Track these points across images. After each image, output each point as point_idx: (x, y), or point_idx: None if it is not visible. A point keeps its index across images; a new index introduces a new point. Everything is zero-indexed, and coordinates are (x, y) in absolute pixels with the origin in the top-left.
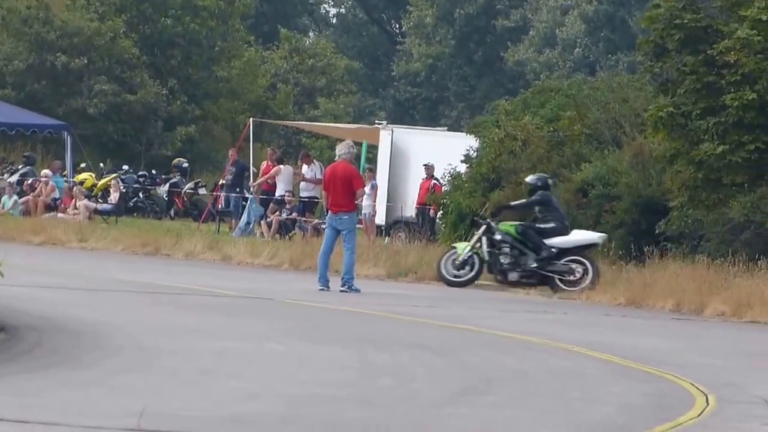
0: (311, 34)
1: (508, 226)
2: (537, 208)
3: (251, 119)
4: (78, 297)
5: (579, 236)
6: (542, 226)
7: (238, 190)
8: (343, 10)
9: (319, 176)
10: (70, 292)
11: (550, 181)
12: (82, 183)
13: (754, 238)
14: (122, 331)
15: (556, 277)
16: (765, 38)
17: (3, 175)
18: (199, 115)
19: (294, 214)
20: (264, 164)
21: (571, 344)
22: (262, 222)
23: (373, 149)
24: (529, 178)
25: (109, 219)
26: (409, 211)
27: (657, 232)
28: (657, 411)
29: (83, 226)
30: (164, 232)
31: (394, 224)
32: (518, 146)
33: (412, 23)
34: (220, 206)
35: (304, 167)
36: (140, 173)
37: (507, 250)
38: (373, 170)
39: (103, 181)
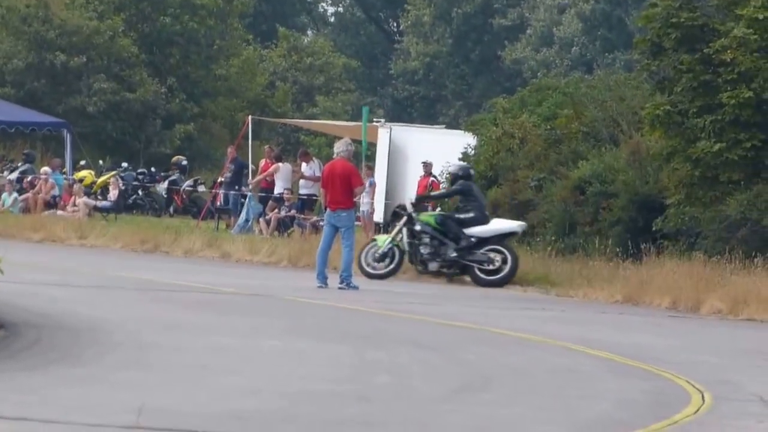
0: (309, 32)
1: (428, 216)
2: (459, 198)
3: (250, 117)
4: (77, 294)
5: (498, 225)
6: (462, 216)
7: (237, 187)
8: (341, 9)
9: (317, 174)
10: (69, 289)
11: (472, 172)
12: (81, 180)
13: (750, 235)
14: (121, 328)
15: (476, 266)
16: (761, 37)
17: (3, 172)
18: (198, 113)
19: (293, 212)
20: (262, 162)
21: (569, 341)
22: (261, 219)
23: (372, 147)
24: (451, 168)
25: (109, 216)
26: (408, 208)
27: (654, 229)
28: (654, 408)
29: (83, 224)
30: (163, 230)
31: (392, 221)
32: (516, 144)
33: (409, 22)
34: (219, 204)
35: (303, 165)
36: (139, 171)
37: (427, 240)
38: (371, 168)
39: (102, 178)
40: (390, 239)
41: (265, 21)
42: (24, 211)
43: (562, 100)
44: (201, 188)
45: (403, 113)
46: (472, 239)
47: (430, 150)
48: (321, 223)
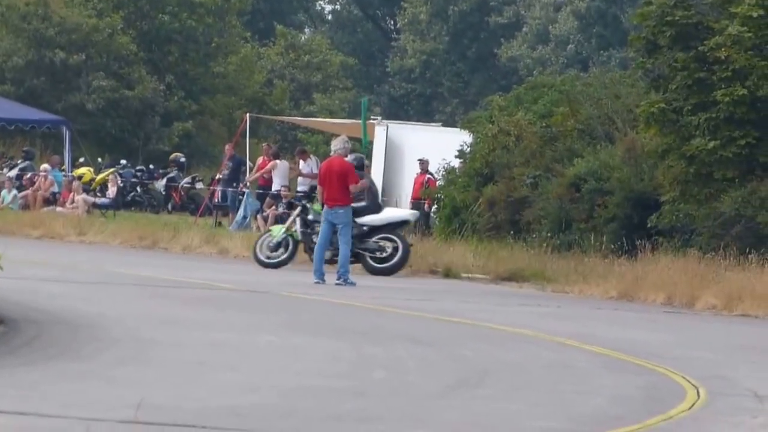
0: (307, 30)
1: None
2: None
3: (248, 114)
4: (76, 290)
5: (390, 214)
6: (354, 205)
7: (234, 184)
8: (338, 7)
9: (315, 171)
10: (68, 285)
11: (366, 162)
12: (80, 177)
13: (744, 232)
14: (120, 324)
15: (367, 254)
16: (756, 35)
17: (2, 169)
18: (196, 110)
19: None
20: (260, 159)
21: (564, 337)
22: (259, 216)
23: (370, 143)
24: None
25: (108, 213)
26: (404, 205)
27: (649, 226)
28: (649, 403)
29: (82, 220)
30: (162, 226)
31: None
32: (511, 141)
33: (406, 20)
34: (216, 200)
35: (301, 162)
36: (138, 168)
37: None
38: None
39: (101, 175)
40: (284, 229)
41: (262, 19)
42: (23, 207)
43: (557, 98)
44: (199, 185)
45: (399, 111)
46: (364, 228)
47: (426, 147)
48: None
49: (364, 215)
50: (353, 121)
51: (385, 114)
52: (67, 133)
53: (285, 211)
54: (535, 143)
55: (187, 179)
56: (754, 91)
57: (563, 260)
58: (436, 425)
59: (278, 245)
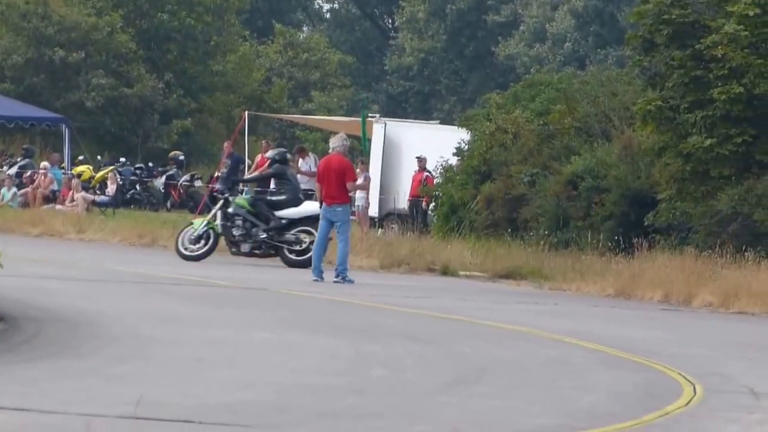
0: (305, 28)
1: (242, 199)
2: (274, 181)
3: (246, 112)
4: (76, 287)
5: (309, 207)
6: (274, 198)
7: None
8: (336, 6)
9: (313, 169)
10: (68, 282)
11: (288, 156)
12: (79, 175)
13: (741, 229)
14: (119, 321)
15: (285, 247)
16: (752, 33)
17: (2, 167)
18: (195, 108)
19: None
20: (259, 157)
21: (561, 334)
22: None
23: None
24: (269, 153)
25: (107, 211)
26: (402, 203)
27: (646, 224)
28: (645, 400)
29: (81, 218)
30: (161, 224)
31: (386, 216)
32: (509, 139)
33: (404, 18)
34: None
35: (300, 160)
36: (137, 165)
37: (239, 222)
38: (366, 163)
39: (100, 173)
40: (206, 222)
41: (261, 17)
42: (23, 205)
43: (554, 96)
44: (198, 183)
45: (397, 108)
46: (283, 221)
47: (424, 145)
48: None
49: (284, 208)
50: (351, 118)
51: (383, 112)
52: (67, 131)
53: None
54: (533, 141)
55: (186, 177)
56: (751, 89)
57: (560, 258)
58: (434, 422)
59: (199, 238)
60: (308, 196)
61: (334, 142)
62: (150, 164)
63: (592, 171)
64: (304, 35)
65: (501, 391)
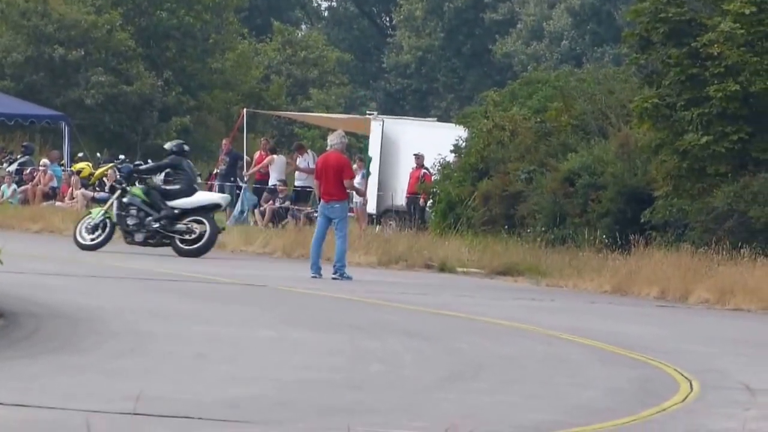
0: (303, 26)
1: (137, 189)
2: (169, 171)
3: (245, 110)
4: (75, 284)
5: (201, 197)
6: (168, 188)
7: (232, 179)
8: (334, 4)
9: (312, 166)
10: (67, 278)
11: (186, 147)
12: (79, 172)
13: (737, 226)
14: (119, 317)
15: (177, 236)
16: (748, 31)
17: (2, 164)
18: (194, 105)
19: (287, 203)
20: (257, 154)
21: (558, 331)
22: (256, 210)
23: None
24: (167, 144)
25: None
26: (400, 200)
27: (642, 220)
28: (642, 396)
29: (81, 215)
30: None
31: (384, 213)
32: (506, 136)
33: (402, 16)
34: None
35: (298, 157)
36: (136, 163)
37: (134, 212)
38: (363, 160)
39: (100, 170)
40: (103, 211)
41: (260, 15)
42: (23, 202)
43: (551, 94)
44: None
45: (395, 106)
46: (176, 210)
47: (422, 142)
48: (315, 215)
49: (177, 198)
50: (349, 116)
51: (380, 109)
52: (66, 128)
53: (282, 205)
54: (530, 138)
55: None
56: (747, 86)
57: (557, 254)
58: (431, 418)
59: (96, 227)
60: (306, 193)
61: (333, 140)
62: (149, 161)
63: (589, 168)
64: (303, 33)
65: (498, 387)
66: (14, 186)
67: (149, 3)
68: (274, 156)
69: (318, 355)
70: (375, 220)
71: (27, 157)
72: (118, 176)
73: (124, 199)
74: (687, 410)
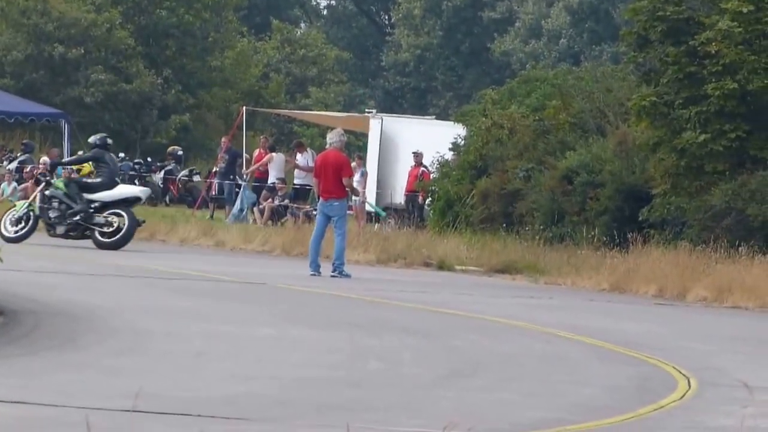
0: (302, 25)
1: (60, 182)
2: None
3: (244, 108)
4: (75, 281)
5: (122, 190)
6: (90, 180)
7: (231, 177)
8: (333, 2)
9: (311, 164)
10: (67, 276)
11: (109, 141)
12: (79, 170)
13: (735, 224)
14: (118, 315)
15: (96, 229)
16: (745, 30)
17: (2, 162)
18: (193, 103)
19: (286, 201)
20: (256, 152)
21: (557, 329)
22: (255, 208)
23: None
24: (91, 138)
25: None
26: (399, 198)
27: (640, 218)
28: (640, 393)
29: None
30: (159, 218)
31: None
32: (505, 134)
33: (400, 15)
34: (213, 193)
35: (298, 155)
36: (136, 161)
37: (56, 204)
38: (362, 158)
39: None
40: (27, 204)
41: (259, 14)
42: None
43: (550, 92)
44: (196, 178)
45: (394, 104)
46: (96, 203)
47: (420, 140)
48: (314, 213)
49: (99, 191)
50: (348, 114)
51: (379, 107)
52: (66, 126)
53: (281, 203)
54: (528, 136)
55: (185, 172)
56: (745, 85)
57: (556, 252)
58: (430, 415)
59: (19, 220)
60: (305, 191)
61: (332, 138)
62: (149, 159)
63: (587, 166)
64: (302, 31)
65: (496, 384)
66: (14, 184)
67: (149, 1)
68: (273, 154)
69: (317, 353)
70: (374, 218)
71: (27, 155)
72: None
73: (47, 192)
74: (685, 408)
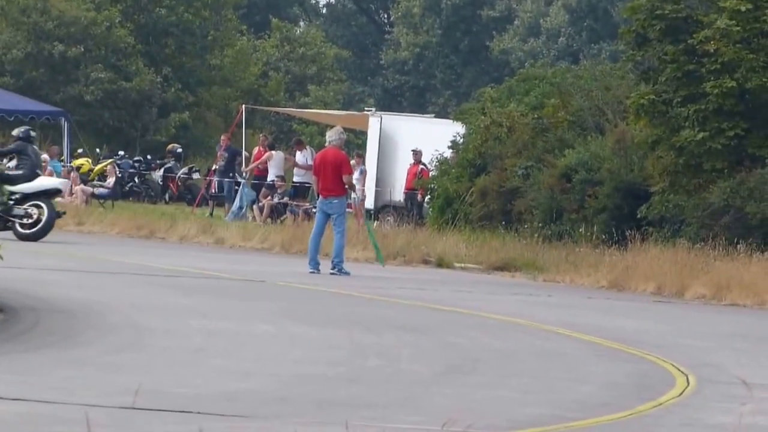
0: (302, 23)
1: None
2: (15, 156)
3: (243, 106)
4: (74, 278)
5: (42, 182)
6: (10, 173)
7: (230, 175)
8: (332, 1)
9: (310, 162)
10: (67, 273)
11: (32, 134)
12: (79, 168)
13: (733, 222)
14: (117, 312)
15: (17, 221)
16: (743, 28)
17: (2, 160)
18: (193, 102)
19: (285, 199)
20: (256, 150)
21: (555, 326)
22: (254, 206)
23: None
24: (15, 131)
25: (106, 203)
26: (398, 195)
27: (639, 216)
28: (639, 390)
29: (80, 210)
30: (159, 216)
31: (382, 208)
32: (503, 133)
33: (400, 13)
34: (213, 191)
35: (297, 153)
36: (135, 158)
37: None
38: (362, 156)
39: (99, 166)
40: None
41: (258, 12)
42: None
43: (548, 90)
44: (196, 176)
45: (393, 102)
46: (16, 195)
47: (419, 138)
48: (313, 210)
49: (19, 183)
50: (347, 112)
51: (378, 106)
52: (66, 124)
53: (280, 201)
54: (527, 134)
55: (184, 170)
56: (743, 83)
57: (554, 250)
58: (429, 412)
59: None
60: (305, 188)
61: (331, 136)
62: (148, 157)
63: (586, 164)
64: (301, 30)
65: (495, 381)
66: None
67: (148, 0)
68: (273, 152)
69: (316, 350)
70: (373, 216)
71: None
72: (117, 172)
73: None
74: (684, 405)
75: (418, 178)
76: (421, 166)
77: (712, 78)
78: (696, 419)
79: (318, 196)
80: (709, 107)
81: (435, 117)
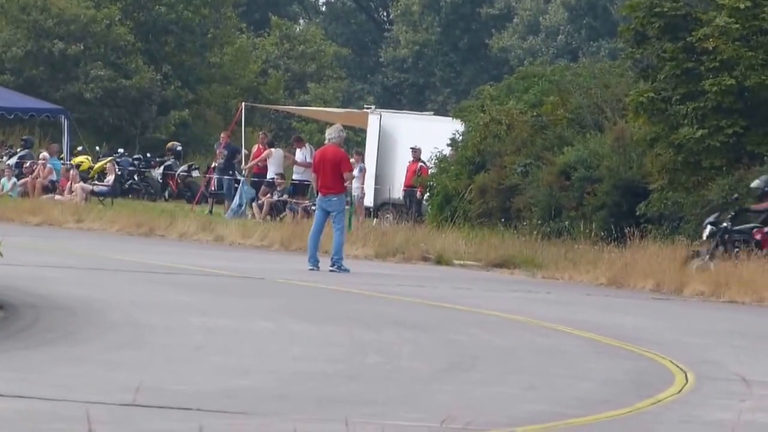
0: (301, 21)
1: None
2: None
3: (243, 104)
4: (74, 276)
5: None
6: None
7: (230, 172)
8: None
9: (309, 159)
10: (66, 271)
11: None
12: (78, 166)
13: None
14: (117, 309)
15: None
16: (743, 26)
17: (2, 157)
18: (192, 99)
19: (285, 196)
20: (255, 147)
21: (555, 323)
22: (254, 204)
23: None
24: None
25: (105, 200)
26: (397, 193)
27: (637, 213)
28: (638, 387)
29: (80, 208)
30: (158, 214)
31: (381, 206)
32: (503, 130)
33: (399, 11)
34: (212, 188)
35: (297, 151)
36: (135, 156)
37: None
38: (361, 153)
39: (99, 163)
40: None
41: (258, 10)
42: (23, 195)
43: (548, 88)
44: (195, 173)
45: (392, 100)
46: None
47: (419, 136)
48: (313, 208)
49: None
50: (347, 110)
51: (378, 103)
52: (66, 121)
53: (279, 198)
54: (526, 132)
55: (184, 167)
56: (742, 81)
57: (553, 247)
58: (428, 409)
59: None
60: (304, 186)
61: (330, 133)
62: (148, 155)
63: (585, 161)
64: (300, 28)
65: (494, 378)
66: (14, 179)
67: None
68: (272, 149)
69: (316, 347)
70: (372, 213)
71: (27, 150)
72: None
73: None
74: (682, 402)
75: (417, 175)
76: (421, 164)
77: (711, 75)
78: (695, 416)
79: (317, 194)
80: (708, 105)
81: (434, 114)
